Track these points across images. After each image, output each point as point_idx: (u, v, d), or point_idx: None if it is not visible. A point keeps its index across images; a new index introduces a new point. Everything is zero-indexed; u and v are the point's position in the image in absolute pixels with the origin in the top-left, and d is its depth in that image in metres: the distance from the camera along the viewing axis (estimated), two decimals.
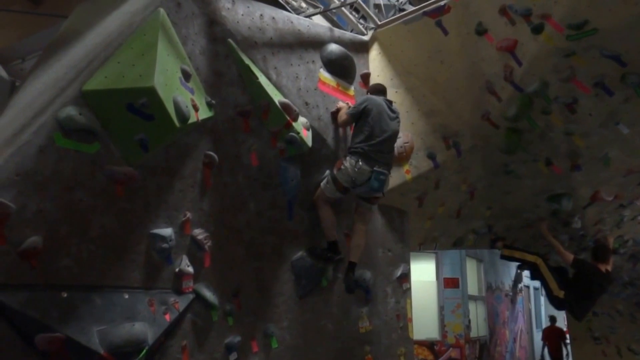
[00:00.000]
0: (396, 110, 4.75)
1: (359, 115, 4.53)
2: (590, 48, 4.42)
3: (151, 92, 2.94)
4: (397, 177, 5.40)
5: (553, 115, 5.19)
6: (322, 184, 4.58)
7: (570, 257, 7.04)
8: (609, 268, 7.15)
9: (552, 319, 15.81)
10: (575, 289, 6.95)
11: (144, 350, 3.00)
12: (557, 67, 4.68)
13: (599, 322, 11.06)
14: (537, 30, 4.45)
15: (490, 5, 4.65)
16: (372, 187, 4.41)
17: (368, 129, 4.45)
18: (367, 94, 4.93)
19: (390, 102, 4.74)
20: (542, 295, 20.16)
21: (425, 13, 5.04)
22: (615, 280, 9.69)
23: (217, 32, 3.80)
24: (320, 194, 4.57)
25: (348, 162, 4.42)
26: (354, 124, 4.66)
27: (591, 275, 6.89)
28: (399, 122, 4.73)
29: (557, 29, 4.34)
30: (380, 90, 4.85)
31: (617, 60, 4.47)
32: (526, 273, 16.99)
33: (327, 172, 4.67)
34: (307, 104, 4.53)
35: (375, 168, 4.37)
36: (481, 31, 4.79)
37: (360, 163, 4.35)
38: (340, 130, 4.89)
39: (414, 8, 5.36)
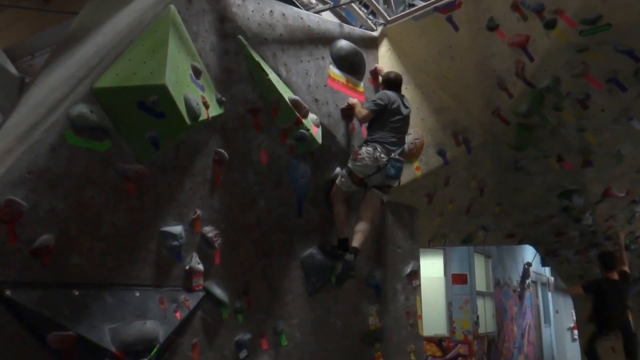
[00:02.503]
0: (408, 104, 4.86)
1: (380, 112, 4.61)
2: (603, 43, 4.37)
3: (162, 90, 2.93)
4: (407, 173, 5.37)
5: (565, 111, 5.15)
6: (337, 180, 4.61)
7: (579, 289, 6.99)
8: (626, 269, 7.06)
9: None
10: (600, 309, 6.81)
11: (155, 348, 3.00)
12: (569, 63, 4.63)
13: None
14: (550, 25, 4.40)
15: (502, 1, 4.60)
16: (389, 174, 4.50)
17: (385, 121, 4.57)
18: (381, 85, 4.99)
19: (402, 96, 4.84)
20: (549, 291, 20.09)
21: (435, 9, 5.00)
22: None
23: (227, 28, 3.78)
24: (336, 190, 4.60)
25: (365, 151, 4.49)
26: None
27: (606, 291, 6.75)
28: (410, 114, 4.84)
29: (570, 24, 4.29)
30: (396, 82, 4.91)
31: (631, 56, 4.42)
32: (534, 268, 16.93)
33: (340, 169, 4.68)
34: (317, 100, 4.51)
35: (391, 156, 4.48)
36: (492, 27, 4.75)
37: (379, 151, 4.46)
38: (350, 126, 4.87)
39: (424, 3, 5.32)
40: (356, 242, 4.49)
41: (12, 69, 5.87)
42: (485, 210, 6.91)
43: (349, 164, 4.56)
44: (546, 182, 6.46)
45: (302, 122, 4.12)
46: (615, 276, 6.87)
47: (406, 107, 4.79)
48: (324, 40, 4.72)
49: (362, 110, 4.68)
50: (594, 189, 6.70)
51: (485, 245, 11.00)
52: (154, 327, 3.02)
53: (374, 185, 4.68)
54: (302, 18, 4.52)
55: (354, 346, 4.76)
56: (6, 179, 2.53)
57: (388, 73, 5.02)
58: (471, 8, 4.80)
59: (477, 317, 11.75)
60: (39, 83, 3.58)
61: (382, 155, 4.46)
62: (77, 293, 2.75)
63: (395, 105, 4.64)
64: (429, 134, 5.47)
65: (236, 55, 3.84)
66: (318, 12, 5.10)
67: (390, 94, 4.72)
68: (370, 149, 4.49)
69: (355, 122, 4.90)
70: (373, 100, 4.69)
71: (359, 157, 4.50)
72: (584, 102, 5.00)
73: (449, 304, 11.63)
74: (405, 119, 4.76)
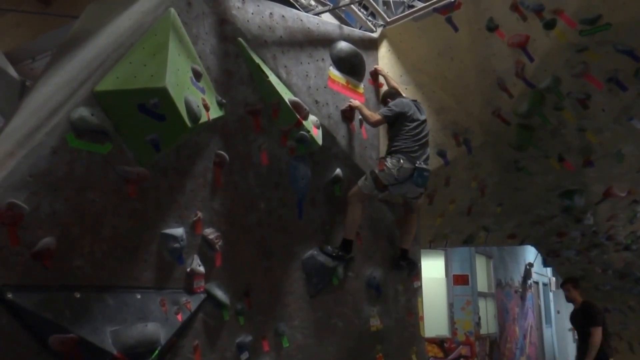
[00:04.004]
0: (423, 109, 4.91)
1: (394, 119, 4.65)
2: (603, 43, 4.37)
3: (163, 93, 2.93)
4: None
5: (565, 111, 5.15)
6: (360, 181, 4.66)
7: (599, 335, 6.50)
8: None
9: None
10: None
11: (157, 351, 3.01)
12: (569, 63, 4.63)
13: (610, 318, 10.95)
14: (550, 25, 4.40)
15: (501, 1, 4.61)
16: (417, 183, 4.59)
17: (406, 129, 4.61)
18: (386, 101, 4.99)
19: (415, 101, 4.88)
20: (550, 291, 20.09)
21: (435, 9, 5.01)
22: (628, 275, 9.61)
23: (227, 31, 3.79)
24: (357, 191, 4.65)
25: (390, 163, 4.54)
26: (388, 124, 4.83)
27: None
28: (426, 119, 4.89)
29: (569, 24, 4.30)
30: (396, 91, 5.02)
31: (631, 55, 4.42)
32: (535, 269, 16.92)
33: (340, 170, 4.70)
34: (317, 102, 4.51)
35: (417, 165, 4.53)
36: (492, 27, 4.75)
37: (402, 162, 4.51)
38: (350, 128, 4.87)
39: (423, 5, 5.33)
40: (406, 244, 5.16)
41: (13, 72, 5.87)
42: (486, 210, 6.91)
43: (376, 170, 4.61)
44: (547, 182, 6.46)
45: (302, 123, 4.12)
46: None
47: (422, 112, 4.82)
48: (323, 42, 4.73)
49: (374, 115, 4.74)
50: (595, 189, 6.69)
51: (486, 246, 10.99)
52: (155, 330, 3.03)
53: (403, 195, 4.86)
54: (301, 20, 4.53)
55: (355, 347, 4.76)
56: (7, 182, 2.54)
57: (386, 90, 5.15)
58: (471, 9, 4.81)
59: (479, 318, 11.75)
60: (40, 86, 3.59)
61: (407, 165, 4.51)
62: (78, 295, 2.75)
63: (411, 112, 4.67)
64: (429, 134, 5.47)
65: (236, 57, 3.85)
66: (317, 14, 5.11)
67: (406, 100, 4.77)
68: (395, 160, 4.53)
69: (355, 123, 4.91)
70: (388, 107, 4.73)
71: (385, 168, 4.55)
72: (584, 102, 5.00)
73: (451, 305, 11.62)
74: (424, 124, 4.77)
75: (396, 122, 4.67)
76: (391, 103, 4.79)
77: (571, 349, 19.05)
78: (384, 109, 4.76)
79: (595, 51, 4.45)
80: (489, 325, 12.56)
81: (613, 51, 4.41)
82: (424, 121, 4.79)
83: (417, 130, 4.66)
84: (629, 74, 4.60)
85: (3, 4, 5.32)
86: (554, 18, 4.35)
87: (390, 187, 4.63)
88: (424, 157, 4.66)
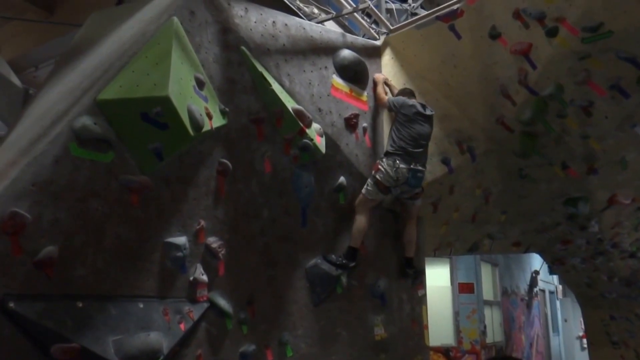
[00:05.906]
0: (428, 112, 4.93)
1: (395, 111, 4.83)
2: (605, 50, 4.37)
3: (166, 101, 2.94)
4: None
5: (568, 118, 5.14)
6: (363, 190, 4.74)
7: None
8: None
9: None
10: None
11: None
12: (572, 70, 4.63)
13: (617, 326, 10.88)
14: (552, 33, 4.41)
15: (503, 9, 4.61)
16: (410, 184, 4.68)
17: (404, 130, 4.71)
18: (403, 94, 5.07)
19: (422, 105, 4.93)
20: (557, 299, 19.96)
21: (438, 17, 5.02)
22: (634, 283, 9.55)
23: (230, 39, 3.80)
24: (362, 199, 4.73)
25: (385, 164, 4.65)
26: (392, 126, 4.92)
27: None
28: (432, 121, 4.94)
29: (572, 31, 4.30)
30: (406, 91, 5.09)
31: (633, 63, 4.42)
32: (541, 277, 16.82)
33: (344, 179, 4.72)
34: (320, 110, 4.51)
35: (412, 166, 4.63)
36: (495, 35, 4.76)
37: (398, 162, 4.60)
38: (354, 135, 4.87)
39: (426, 12, 5.34)
40: (409, 252, 5.20)
41: (16, 80, 5.89)
42: (490, 218, 6.88)
43: (373, 174, 4.71)
44: (551, 189, 6.43)
45: (305, 131, 4.13)
46: None
47: (425, 115, 4.84)
48: (326, 50, 4.74)
49: (383, 97, 4.98)
50: (600, 196, 6.66)
51: (491, 253, 10.95)
52: (158, 339, 3.01)
53: (399, 195, 4.88)
54: (304, 28, 4.54)
55: (359, 357, 4.72)
56: (10, 191, 2.54)
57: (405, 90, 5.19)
58: (473, 17, 4.81)
59: (485, 326, 11.68)
60: (43, 95, 3.60)
61: (402, 166, 4.59)
62: (80, 305, 2.74)
63: (409, 115, 4.74)
64: (433, 142, 5.44)
65: (239, 66, 3.86)
66: (321, 22, 5.12)
67: (410, 103, 4.81)
68: (390, 161, 4.63)
69: (359, 131, 4.91)
70: (395, 100, 4.88)
71: (380, 169, 4.65)
72: (587, 109, 4.99)
73: (456, 314, 11.56)
74: (425, 127, 4.82)
75: (396, 122, 4.78)
76: (398, 99, 4.91)
77: (579, 357, 18.90)
78: (392, 98, 4.95)
79: (597, 58, 4.45)
80: (495, 333, 12.49)
81: (615, 58, 4.41)
82: (426, 125, 4.83)
83: (415, 135, 4.72)
84: (632, 81, 4.60)
85: (6, 12, 5.35)
86: (556, 26, 4.36)
87: (391, 188, 4.71)
88: (420, 158, 4.74)
